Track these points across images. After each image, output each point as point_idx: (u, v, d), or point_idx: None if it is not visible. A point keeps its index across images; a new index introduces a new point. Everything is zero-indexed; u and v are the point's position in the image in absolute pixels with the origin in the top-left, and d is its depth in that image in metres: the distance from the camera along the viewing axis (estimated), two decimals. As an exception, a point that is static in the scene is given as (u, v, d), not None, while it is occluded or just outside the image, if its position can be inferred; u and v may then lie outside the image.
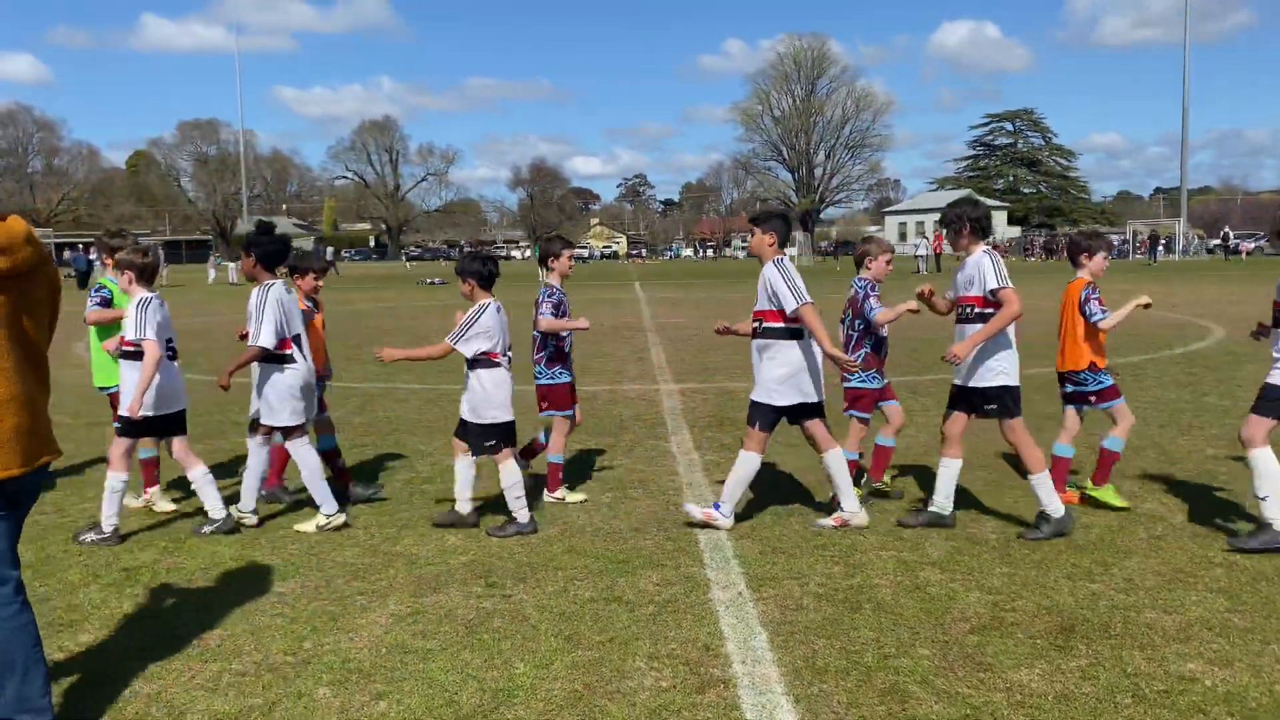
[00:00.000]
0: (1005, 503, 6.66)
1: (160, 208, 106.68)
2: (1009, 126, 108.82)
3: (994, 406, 5.91)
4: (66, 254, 58.28)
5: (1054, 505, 5.90)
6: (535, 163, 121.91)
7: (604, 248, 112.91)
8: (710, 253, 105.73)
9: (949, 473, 6.10)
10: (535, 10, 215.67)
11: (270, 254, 6.40)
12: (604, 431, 9.43)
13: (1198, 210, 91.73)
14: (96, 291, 6.91)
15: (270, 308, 6.24)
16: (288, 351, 6.32)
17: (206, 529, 6.24)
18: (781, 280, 5.94)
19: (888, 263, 6.88)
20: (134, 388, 5.95)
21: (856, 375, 6.56)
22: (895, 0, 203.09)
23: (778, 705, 3.90)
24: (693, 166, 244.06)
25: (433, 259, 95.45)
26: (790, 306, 5.89)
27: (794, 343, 6.00)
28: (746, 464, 6.12)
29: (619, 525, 6.37)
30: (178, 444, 6.34)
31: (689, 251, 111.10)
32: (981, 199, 6.75)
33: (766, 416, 6.10)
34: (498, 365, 6.25)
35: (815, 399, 6.09)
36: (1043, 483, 5.88)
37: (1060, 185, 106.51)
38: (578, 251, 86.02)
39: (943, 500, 6.11)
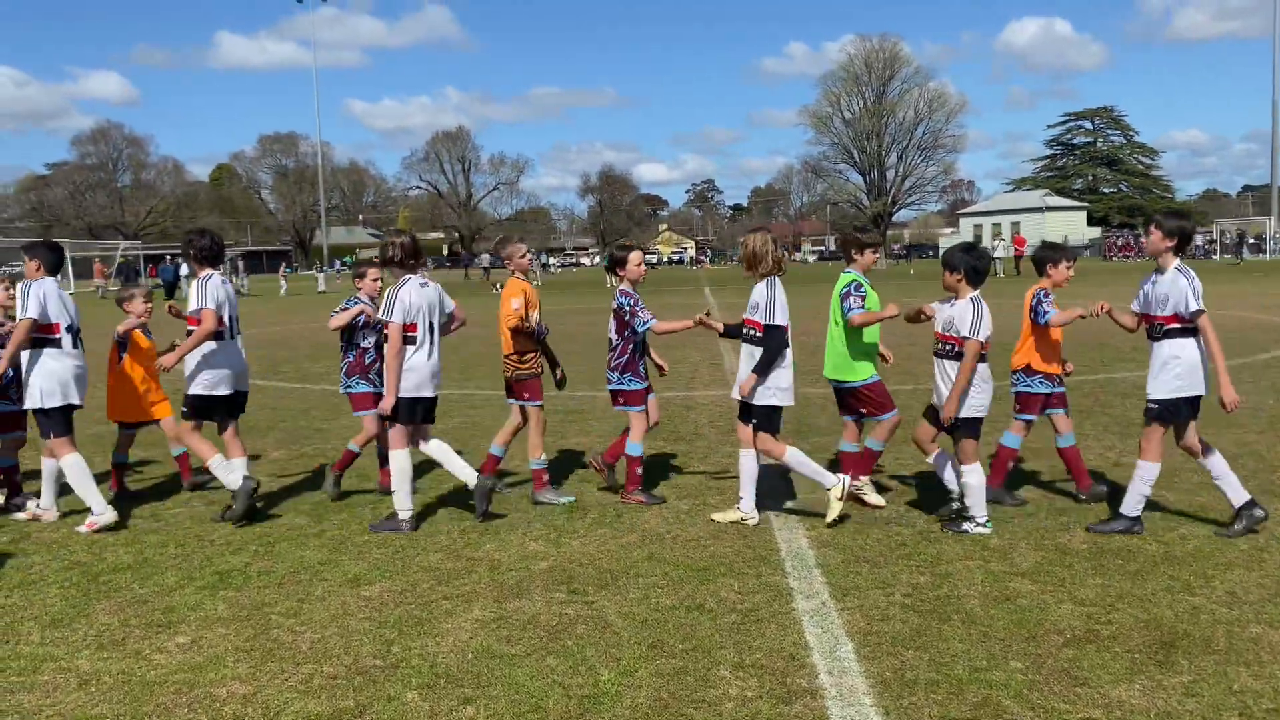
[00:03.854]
0: (1097, 511, 6.48)
1: (242, 219, 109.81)
2: (1088, 125, 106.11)
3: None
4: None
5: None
6: (604, 170, 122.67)
7: (673, 253, 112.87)
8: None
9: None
10: (597, 19, 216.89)
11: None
12: (679, 437, 9.41)
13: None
14: None
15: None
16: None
17: None
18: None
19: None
20: None
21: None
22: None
23: (867, 717, 3.84)
24: (760, 170, 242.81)
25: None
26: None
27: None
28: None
29: (697, 532, 6.35)
30: None
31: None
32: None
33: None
34: None
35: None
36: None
37: (1142, 184, 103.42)
38: (647, 257, 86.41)
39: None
